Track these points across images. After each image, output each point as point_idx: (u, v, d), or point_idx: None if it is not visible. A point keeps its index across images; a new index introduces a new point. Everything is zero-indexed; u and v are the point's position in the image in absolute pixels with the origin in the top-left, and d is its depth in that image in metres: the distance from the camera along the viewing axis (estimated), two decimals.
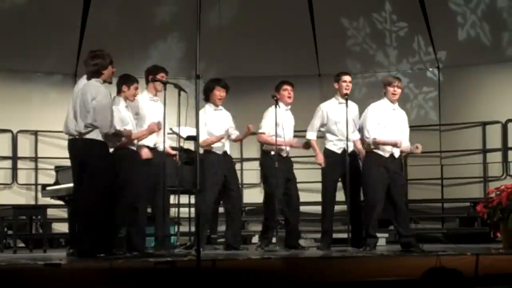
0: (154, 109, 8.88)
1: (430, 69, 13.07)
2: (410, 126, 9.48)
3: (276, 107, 9.33)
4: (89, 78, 7.81)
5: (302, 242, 9.85)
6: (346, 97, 9.28)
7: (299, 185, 9.75)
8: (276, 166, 9.12)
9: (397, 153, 8.86)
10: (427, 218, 12.88)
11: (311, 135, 9.54)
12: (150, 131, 8.56)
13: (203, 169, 8.79)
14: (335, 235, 9.82)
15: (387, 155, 8.82)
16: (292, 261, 7.35)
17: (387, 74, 12.11)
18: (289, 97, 9.54)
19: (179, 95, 8.35)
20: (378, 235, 9.30)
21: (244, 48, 13.05)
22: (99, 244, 7.61)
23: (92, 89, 7.70)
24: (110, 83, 7.98)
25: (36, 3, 12.48)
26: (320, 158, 9.41)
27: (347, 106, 9.18)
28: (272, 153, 9.30)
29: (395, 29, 13.15)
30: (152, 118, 8.75)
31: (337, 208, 9.70)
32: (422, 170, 12.64)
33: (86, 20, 12.71)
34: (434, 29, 12.87)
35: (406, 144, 8.98)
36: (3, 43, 12.18)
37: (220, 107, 9.42)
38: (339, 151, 9.32)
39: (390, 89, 8.90)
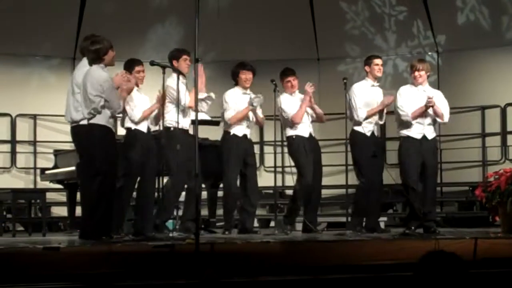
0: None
1: (429, 53, 13.05)
2: None
3: (275, 91, 9.33)
4: (90, 64, 7.80)
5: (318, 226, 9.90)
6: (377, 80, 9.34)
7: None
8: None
9: (428, 134, 8.97)
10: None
11: (362, 112, 9.25)
12: (158, 101, 8.62)
13: (225, 149, 9.23)
14: (334, 219, 9.84)
15: (419, 137, 8.92)
16: (291, 245, 7.35)
17: (386, 58, 12.12)
18: (292, 87, 9.56)
19: (178, 79, 8.34)
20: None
21: (243, 31, 13.02)
22: (101, 227, 7.63)
23: (96, 75, 7.69)
24: (113, 65, 7.95)
25: None
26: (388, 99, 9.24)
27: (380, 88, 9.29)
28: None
29: (394, 13, 13.13)
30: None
31: (336, 191, 9.71)
32: None
33: (85, 4, 12.68)
34: (433, 13, 12.84)
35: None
36: (1, 27, 12.15)
37: (249, 91, 9.46)
38: (369, 134, 9.26)
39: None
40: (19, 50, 12.50)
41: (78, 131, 7.82)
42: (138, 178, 8.54)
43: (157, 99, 8.62)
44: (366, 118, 9.10)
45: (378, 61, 9.36)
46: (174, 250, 6.52)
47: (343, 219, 9.57)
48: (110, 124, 7.78)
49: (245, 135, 9.41)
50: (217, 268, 6.16)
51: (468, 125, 12.54)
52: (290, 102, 9.46)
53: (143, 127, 8.57)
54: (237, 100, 9.39)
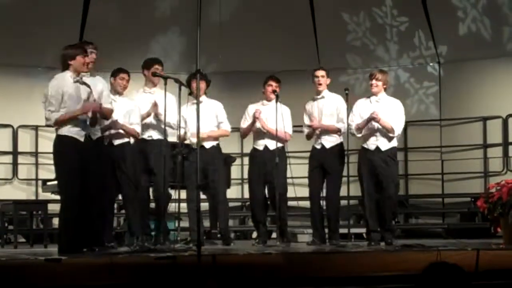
0: (146, 101, 8.97)
1: (431, 64, 13.06)
2: (411, 121, 9.44)
3: (276, 102, 9.33)
4: (62, 71, 7.84)
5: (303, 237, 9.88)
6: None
7: (299, 180, 9.74)
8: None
9: (381, 145, 8.96)
10: (428, 213, 12.90)
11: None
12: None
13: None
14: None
15: (372, 148, 8.98)
16: (292, 256, 7.35)
17: (388, 69, 12.13)
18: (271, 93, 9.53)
19: (180, 89, 8.35)
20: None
21: (245, 42, 13.04)
22: (78, 240, 7.53)
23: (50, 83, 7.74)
24: (84, 71, 7.89)
25: None
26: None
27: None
28: None
29: (396, 23, 13.14)
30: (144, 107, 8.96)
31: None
32: (423, 165, 12.65)
33: (87, 15, 12.71)
34: (434, 23, 12.86)
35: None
36: (4, 38, 12.17)
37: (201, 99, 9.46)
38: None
39: None
40: (21, 61, 12.50)
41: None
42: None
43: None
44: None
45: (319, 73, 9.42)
46: (176, 261, 6.52)
47: (345, 230, 9.56)
48: (76, 134, 7.62)
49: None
50: (219, 280, 6.16)
51: (469, 136, 12.54)
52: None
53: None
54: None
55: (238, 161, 12.22)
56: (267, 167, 9.31)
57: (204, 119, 9.00)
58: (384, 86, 9.17)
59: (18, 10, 12.37)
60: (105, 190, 8.21)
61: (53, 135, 11.79)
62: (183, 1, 12.77)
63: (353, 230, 9.82)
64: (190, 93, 9.12)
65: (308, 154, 9.59)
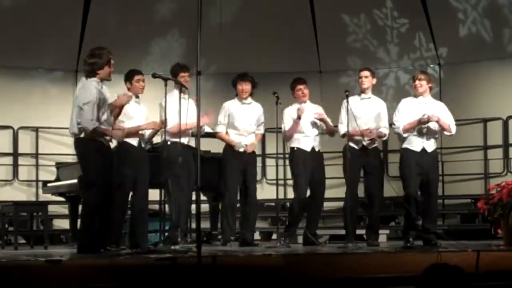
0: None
1: (431, 65, 13.05)
2: None
3: (277, 104, 9.32)
4: (86, 77, 7.83)
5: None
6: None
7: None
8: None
9: (428, 146, 8.99)
10: None
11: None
12: (152, 126, 8.70)
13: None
14: (335, 232, 9.83)
15: (418, 149, 8.97)
16: (293, 258, 7.34)
17: (388, 71, 12.14)
18: (303, 95, 9.56)
19: (180, 91, 8.35)
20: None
21: (245, 44, 13.03)
22: (98, 240, 7.64)
23: (82, 89, 7.75)
24: (109, 80, 7.93)
25: None
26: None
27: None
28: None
29: (396, 25, 13.15)
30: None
31: (338, 204, 9.69)
32: None
33: (87, 17, 12.71)
34: (435, 25, 12.86)
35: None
36: (4, 39, 12.17)
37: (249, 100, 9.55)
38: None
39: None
40: (21, 63, 12.50)
41: (76, 145, 7.85)
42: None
43: (153, 123, 8.72)
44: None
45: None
46: (176, 263, 6.52)
47: (343, 231, 9.55)
48: (103, 138, 7.76)
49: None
50: (219, 281, 6.16)
51: (470, 137, 12.53)
52: (292, 116, 9.48)
53: (134, 140, 8.62)
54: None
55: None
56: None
57: (252, 121, 9.44)
58: (429, 86, 9.11)
59: (18, 12, 12.37)
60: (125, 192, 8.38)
61: (53, 137, 11.91)
62: (183, 3, 12.76)
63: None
64: (237, 94, 9.41)
65: (336, 155, 9.57)
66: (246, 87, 9.45)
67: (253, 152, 9.54)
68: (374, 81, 9.49)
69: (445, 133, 9.04)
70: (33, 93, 12.71)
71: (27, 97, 12.58)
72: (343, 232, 9.47)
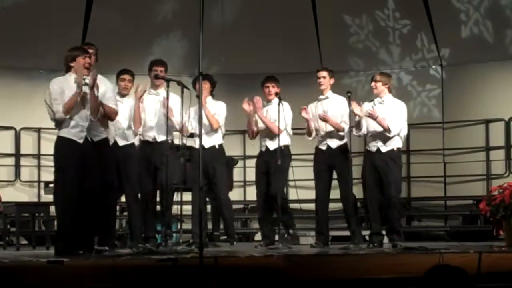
0: (151, 103, 8.96)
1: (433, 66, 13.06)
2: (413, 124, 9.35)
3: (279, 104, 9.27)
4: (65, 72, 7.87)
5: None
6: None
7: (298, 183, 9.75)
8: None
9: (382, 146, 8.99)
10: (430, 216, 12.90)
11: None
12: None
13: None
14: (336, 233, 9.82)
15: (373, 149, 8.99)
16: (294, 259, 7.34)
17: (390, 72, 12.12)
18: (269, 94, 9.48)
19: (182, 92, 8.36)
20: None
21: (247, 45, 13.05)
22: (75, 242, 7.53)
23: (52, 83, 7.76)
24: (86, 74, 7.86)
25: (39, 0, 12.49)
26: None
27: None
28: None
29: (398, 26, 13.15)
30: (149, 111, 8.96)
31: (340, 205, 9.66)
32: (425, 167, 12.64)
33: (89, 17, 12.72)
34: (437, 26, 12.86)
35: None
36: (6, 40, 12.18)
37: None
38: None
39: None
40: (23, 64, 12.52)
41: (54, 144, 7.79)
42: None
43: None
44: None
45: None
46: (178, 263, 6.52)
47: (347, 232, 9.56)
48: (74, 135, 7.61)
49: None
50: (221, 282, 6.16)
51: (472, 138, 12.54)
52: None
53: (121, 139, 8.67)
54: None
55: (240, 163, 12.24)
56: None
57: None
58: (386, 87, 9.14)
59: (20, 13, 12.38)
60: (107, 191, 8.21)
61: (55, 138, 11.89)
62: (185, 4, 12.77)
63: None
64: (197, 96, 9.16)
65: (309, 157, 9.57)
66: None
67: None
68: (332, 81, 9.49)
69: (385, 133, 9.02)
70: (35, 94, 12.67)
71: (29, 97, 12.56)
72: (346, 233, 9.48)
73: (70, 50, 7.87)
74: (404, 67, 13.16)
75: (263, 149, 9.36)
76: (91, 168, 7.67)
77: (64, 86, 7.67)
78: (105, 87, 8.18)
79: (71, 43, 12.41)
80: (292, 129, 9.38)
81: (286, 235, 9.28)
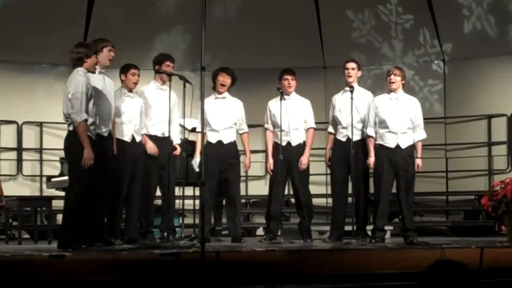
0: (160, 98, 8.88)
1: (436, 61, 13.05)
2: None
3: (281, 99, 9.24)
4: (73, 67, 7.81)
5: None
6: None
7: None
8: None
9: (403, 144, 8.89)
10: (432, 211, 12.89)
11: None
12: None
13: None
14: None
15: (392, 145, 8.87)
16: (296, 254, 7.34)
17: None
18: (289, 86, 9.44)
19: (184, 86, 8.36)
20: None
21: (249, 40, 13.04)
22: (80, 235, 7.55)
23: (69, 79, 7.70)
24: (93, 72, 7.89)
25: None
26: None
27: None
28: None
29: (401, 21, 13.13)
30: (159, 106, 8.85)
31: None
32: (427, 163, 12.54)
33: (91, 11, 12.71)
34: (439, 21, 12.85)
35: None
36: (8, 34, 12.17)
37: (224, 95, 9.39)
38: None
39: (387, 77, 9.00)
40: (25, 58, 12.51)
41: (65, 138, 7.73)
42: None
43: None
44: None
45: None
46: (179, 258, 6.52)
47: (349, 227, 9.54)
48: (89, 132, 7.61)
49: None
50: (223, 277, 6.16)
51: (474, 133, 12.53)
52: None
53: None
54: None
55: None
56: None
57: (226, 116, 9.22)
58: (403, 82, 9.06)
59: (22, 7, 12.37)
60: (115, 186, 8.28)
61: (57, 132, 11.88)
62: None
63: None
64: (214, 87, 9.22)
65: (315, 152, 9.52)
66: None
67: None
68: (359, 73, 9.42)
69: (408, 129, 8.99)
70: (37, 88, 12.72)
71: (31, 92, 12.59)
72: (348, 228, 9.47)
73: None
74: (407, 62, 13.13)
75: (284, 143, 9.22)
76: (100, 162, 7.65)
77: (88, 82, 7.62)
78: (109, 86, 8.21)
79: (73, 37, 12.45)
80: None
81: (309, 240, 9.22)
